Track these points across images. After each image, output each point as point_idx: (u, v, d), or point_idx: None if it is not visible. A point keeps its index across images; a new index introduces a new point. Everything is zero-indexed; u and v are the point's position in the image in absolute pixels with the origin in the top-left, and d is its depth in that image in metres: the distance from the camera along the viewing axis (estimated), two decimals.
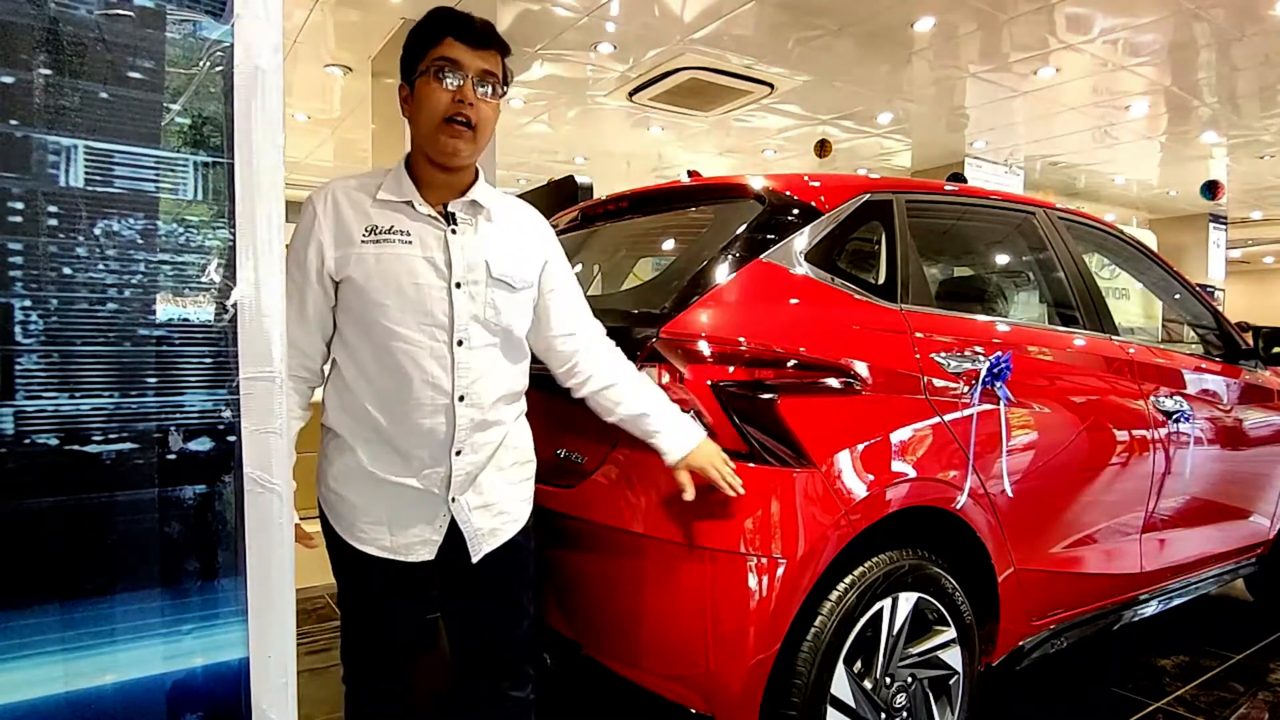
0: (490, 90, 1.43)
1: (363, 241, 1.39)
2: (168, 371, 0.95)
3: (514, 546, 1.56)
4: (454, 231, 1.44)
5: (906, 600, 1.81)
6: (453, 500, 1.48)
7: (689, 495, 1.55)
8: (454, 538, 1.49)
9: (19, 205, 0.86)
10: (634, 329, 1.75)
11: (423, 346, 1.41)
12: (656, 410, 1.58)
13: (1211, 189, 10.22)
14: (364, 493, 1.46)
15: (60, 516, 0.90)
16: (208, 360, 0.98)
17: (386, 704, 1.57)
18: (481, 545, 1.51)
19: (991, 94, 7.03)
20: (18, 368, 0.86)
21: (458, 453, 1.45)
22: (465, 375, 1.44)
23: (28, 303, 0.87)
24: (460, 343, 1.43)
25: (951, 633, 1.90)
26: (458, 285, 1.42)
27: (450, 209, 1.46)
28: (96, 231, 0.91)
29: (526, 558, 1.61)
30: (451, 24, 1.40)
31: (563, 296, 1.61)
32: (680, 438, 1.57)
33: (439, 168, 1.44)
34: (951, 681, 1.92)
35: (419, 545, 1.48)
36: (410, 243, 1.41)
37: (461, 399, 1.44)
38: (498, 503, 1.53)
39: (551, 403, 1.89)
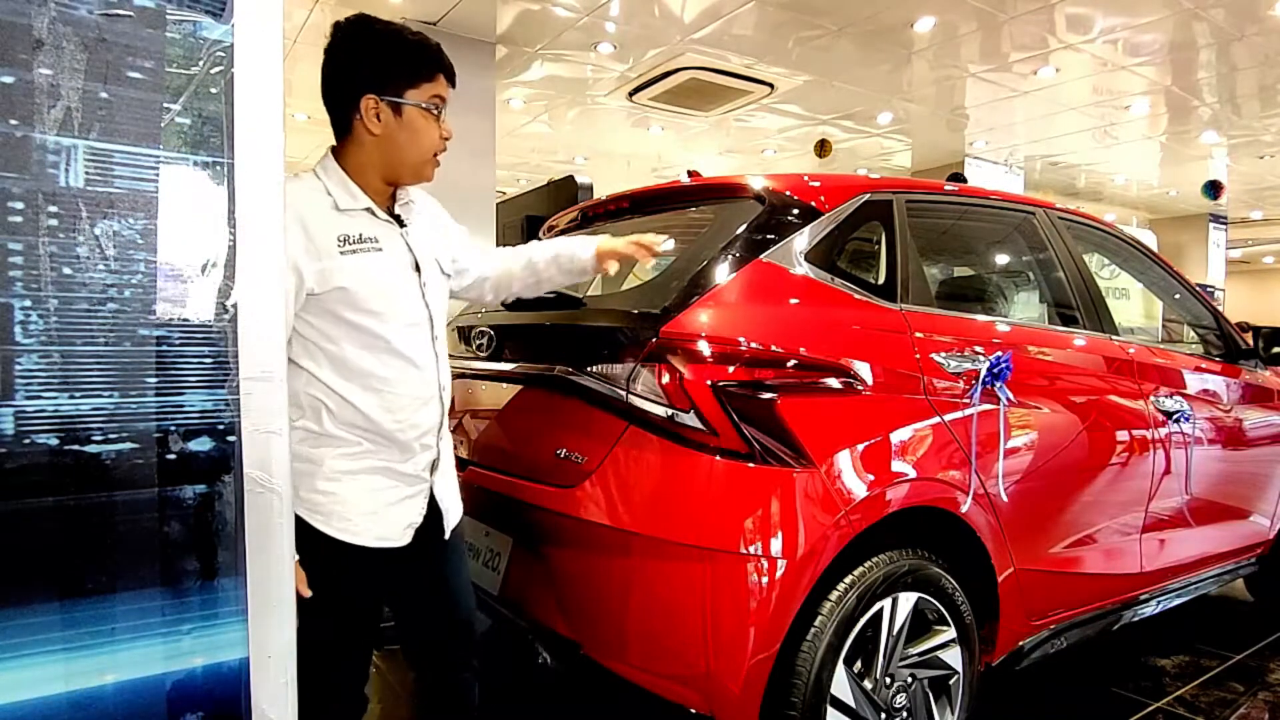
0: None
1: (341, 253, 1.41)
2: (168, 371, 0.95)
3: (460, 530, 1.69)
4: (406, 231, 1.52)
5: (906, 600, 1.81)
6: (434, 482, 1.57)
7: (614, 269, 1.77)
8: (425, 520, 1.57)
9: (19, 205, 0.86)
10: (634, 329, 1.75)
11: (414, 344, 1.48)
12: (560, 245, 1.78)
13: (1214, 189, 10.22)
14: (360, 487, 1.47)
15: (60, 516, 0.90)
16: (208, 360, 0.98)
17: (347, 704, 1.56)
18: (450, 521, 1.62)
19: (991, 94, 7.03)
20: (18, 368, 0.86)
21: (441, 437, 1.57)
22: (442, 364, 1.55)
23: (28, 303, 0.87)
24: (435, 336, 1.54)
25: (951, 633, 1.90)
26: (425, 284, 1.52)
27: (396, 211, 1.53)
28: (96, 231, 0.91)
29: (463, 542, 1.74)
30: (444, 63, 1.47)
31: (470, 248, 1.74)
32: (587, 243, 1.77)
33: (391, 184, 1.51)
34: (951, 681, 1.92)
35: (407, 529, 1.53)
36: (381, 249, 1.46)
37: (442, 389, 1.55)
38: (453, 484, 1.65)
39: (551, 403, 1.89)
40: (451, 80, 1.50)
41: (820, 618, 1.68)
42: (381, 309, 1.44)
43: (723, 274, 1.81)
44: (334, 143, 1.50)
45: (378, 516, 1.48)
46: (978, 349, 2.02)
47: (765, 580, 1.60)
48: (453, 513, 1.63)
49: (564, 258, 1.77)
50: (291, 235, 1.33)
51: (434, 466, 1.55)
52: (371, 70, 1.42)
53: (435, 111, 1.47)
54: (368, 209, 1.46)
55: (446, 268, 1.62)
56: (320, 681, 1.42)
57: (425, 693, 1.70)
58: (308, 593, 1.33)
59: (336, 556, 1.45)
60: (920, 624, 1.87)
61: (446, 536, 1.61)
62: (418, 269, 1.51)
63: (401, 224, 1.52)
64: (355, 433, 1.45)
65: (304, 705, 1.27)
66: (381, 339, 1.44)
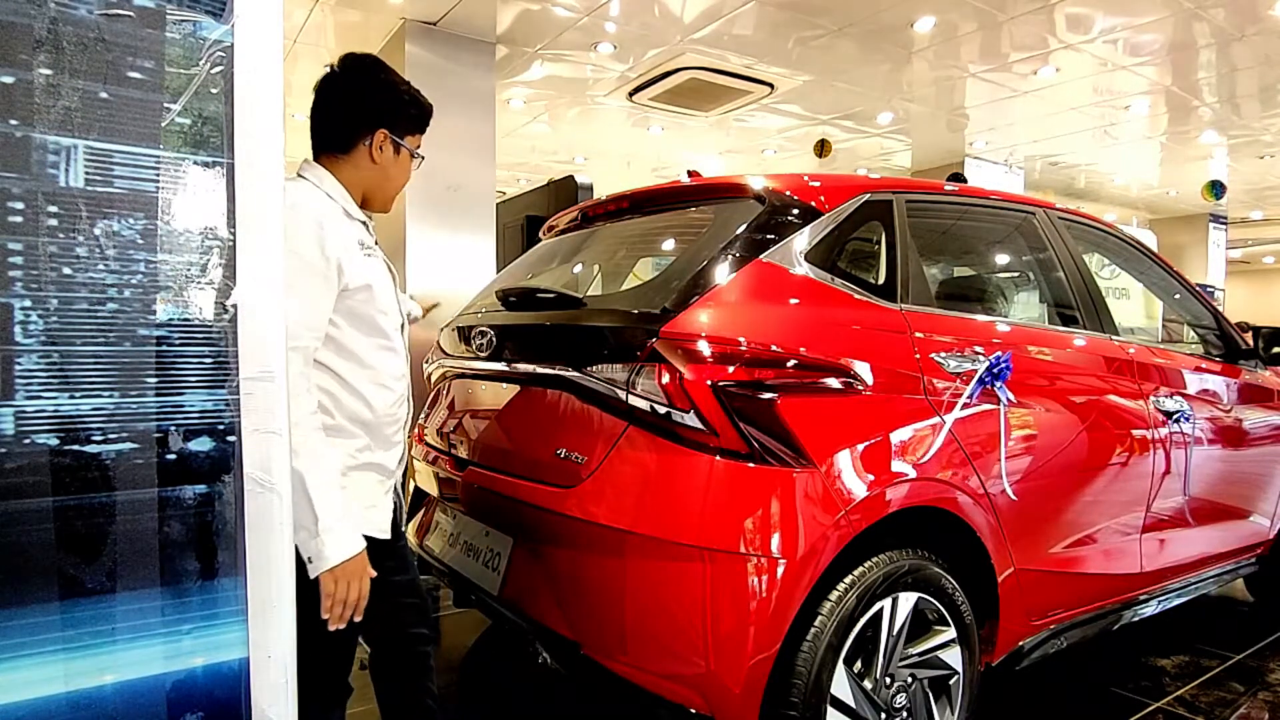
0: None
1: (363, 254, 1.55)
2: (168, 371, 0.95)
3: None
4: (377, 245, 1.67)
5: (906, 600, 1.81)
6: (397, 477, 1.67)
7: None
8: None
9: (19, 205, 0.86)
10: (634, 329, 1.75)
11: (401, 342, 1.64)
12: None
13: (1221, 188, 10.25)
14: (362, 479, 1.57)
15: (60, 516, 0.90)
16: (208, 360, 0.98)
17: (343, 694, 1.66)
18: (402, 514, 1.71)
19: (991, 94, 7.03)
20: (18, 368, 0.86)
21: (404, 432, 1.67)
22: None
23: (28, 303, 0.87)
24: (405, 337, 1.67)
25: (951, 633, 1.90)
26: (398, 288, 1.68)
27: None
28: (96, 231, 0.91)
29: None
30: (429, 123, 1.69)
31: None
32: None
33: (364, 205, 1.66)
34: (951, 681, 1.92)
35: (388, 522, 1.61)
36: (379, 257, 1.62)
37: (410, 385, 1.69)
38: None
39: (551, 403, 1.89)
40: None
41: (820, 618, 1.68)
42: (388, 308, 1.58)
43: (723, 274, 1.81)
44: (310, 155, 1.63)
45: (375, 510, 1.58)
46: (978, 349, 2.02)
47: (765, 580, 1.60)
48: (400, 508, 1.72)
49: None
50: (331, 234, 1.47)
51: (400, 460, 1.67)
52: (394, 110, 1.61)
53: (416, 161, 1.68)
54: (363, 221, 1.62)
55: None
56: (317, 672, 1.48)
57: (382, 664, 1.76)
58: (373, 573, 1.45)
59: None
60: (920, 624, 1.87)
61: (403, 528, 1.72)
62: (394, 278, 1.67)
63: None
64: (357, 426, 1.55)
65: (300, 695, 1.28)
66: (387, 335, 1.58)
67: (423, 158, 1.69)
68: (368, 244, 1.57)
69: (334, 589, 1.38)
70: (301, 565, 1.46)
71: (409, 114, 1.63)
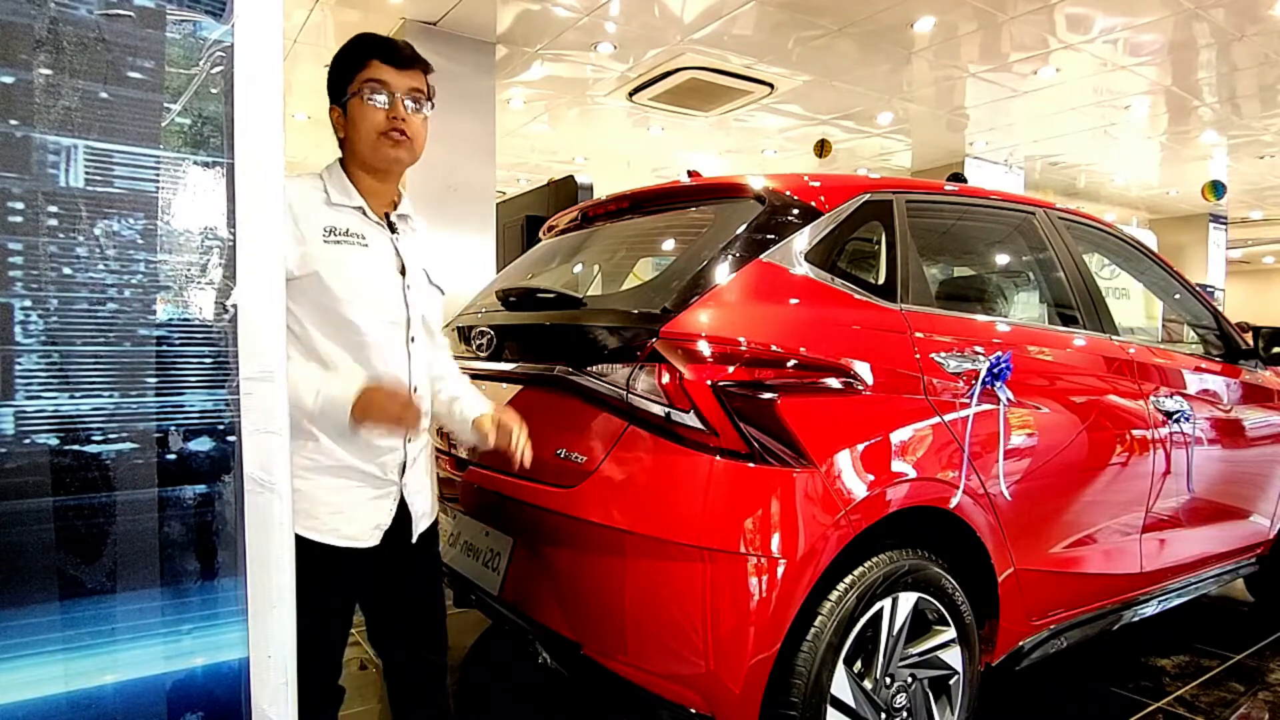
0: (418, 106, 1.55)
1: (325, 241, 1.47)
2: (168, 371, 0.95)
3: (435, 529, 1.72)
4: (397, 237, 1.59)
5: (906, 600, 1.81)
6: (404, 485, 1.58)
7: (492, 440, 1.66)
8: (394, 522, 1.59)
9: (19, 205, 0.86)
10: (634, 329, 1.75)
11: (386, 341, 1.53)
12: (463, 391, 1.77)
13: (1222, 188, 10.27)
14: (326, 484, 1.49)
15: (60, 516, 0.90)
16: (208, 360, 0.98)
17: (330, 699, 1.61)
18: (420, 526, 1.63)
19: (991, 94, 7.04)
20: (18, 368, 0.86)
21: (409, 440, 1.58)
22: (417, 368, 1.59)
23: (28, 303, 0.87)
24: (413, 339, 1.58)
25: (951, 633, 1.90)
26: (409, 287, 1.57)
27: (392, 219, 1.60)
28: (96, 231, 0.91)
29: (438, 541, 1.78)
30: (376, 47, 1.52)
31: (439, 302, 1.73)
32: (477, 406, 1.74)
33: (378, 176, 1.57)
34: (951, 681, 1.92)
35: (373, 530, 1.54)
36: (367, 245, 1.52)
37: (415, 390, 1.57)
38: (426, 487, 1.67)
39: (551, 403, 1.89)
40: (391, 60, 1.51)
41: (820, 618, 1.68)
42: (354, 299, 1.47)
43: (723, 274, 1.81)
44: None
45: (345, 516, 1.50)
46: (978, 349, 2.02)
47: (765, 580, 1.60)
48: (423, 518, 1.64)
49: (457, 406, 1.74)
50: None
51: (403, 469, 1.57)
52: (330, 85, 1.55)
53: (372, 97, 1.49)
54: (359, 208, 1.54)
55: (435, 280, 1.67)
56: (303, 676, 1.42)
57: (392, 686, 1.74)
58: None
59: (305, 555, 1.39)
60: (920, 624, 1.87)
61: (414, 540, 1.62)
62: (403, 271, 1.57)
63: (394, 230, 1.59)
64: (314, 426, 1.46)
65: None
66: (354, 328, 1.48)
67: (372, 90, 1.49)
68: (342, 230, 1.48)
69: None
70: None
71: (337, 71, 1.53)
